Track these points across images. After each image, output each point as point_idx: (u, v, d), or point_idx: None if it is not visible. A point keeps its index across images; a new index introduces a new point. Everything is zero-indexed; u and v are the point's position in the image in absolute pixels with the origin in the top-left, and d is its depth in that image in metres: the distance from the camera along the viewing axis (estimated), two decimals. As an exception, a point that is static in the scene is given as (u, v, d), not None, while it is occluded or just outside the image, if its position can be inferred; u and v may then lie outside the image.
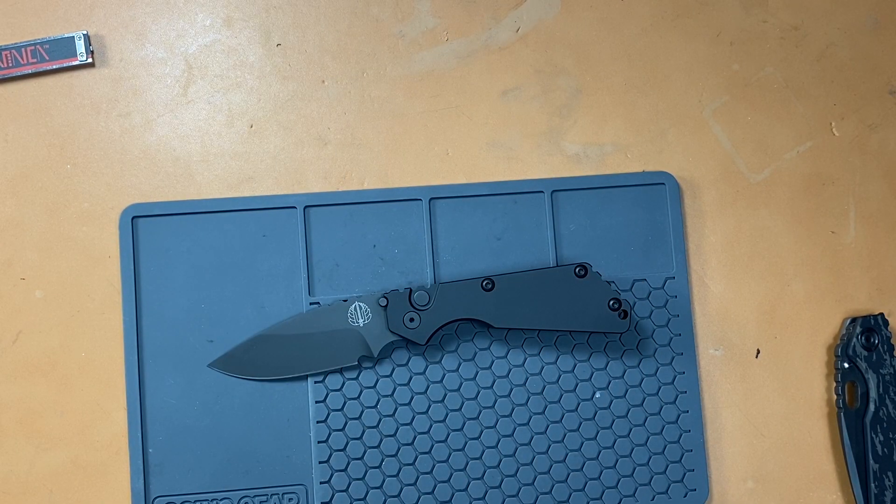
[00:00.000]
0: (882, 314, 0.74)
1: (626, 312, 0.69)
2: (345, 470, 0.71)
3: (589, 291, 0.69)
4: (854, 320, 0.74)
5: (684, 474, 0.72)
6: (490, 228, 0.74)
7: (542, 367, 0.72)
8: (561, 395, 0.72)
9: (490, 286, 0.69)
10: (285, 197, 0.73)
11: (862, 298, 0.76)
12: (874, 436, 0.72)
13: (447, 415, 0.71)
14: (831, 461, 0.74)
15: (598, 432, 0.72)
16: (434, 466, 0.71)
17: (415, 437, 0.71)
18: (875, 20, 0.78)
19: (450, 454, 0.71)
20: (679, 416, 0.73)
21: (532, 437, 0.72)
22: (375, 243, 0.73)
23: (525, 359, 0.72)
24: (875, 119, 0.77)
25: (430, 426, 0.71)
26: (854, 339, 0.73)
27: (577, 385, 0.72)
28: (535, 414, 0.72)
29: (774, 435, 0.74)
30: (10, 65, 0.72)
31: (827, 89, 0.77)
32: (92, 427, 0.71)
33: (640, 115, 0.76)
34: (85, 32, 0.73)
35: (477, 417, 0.72)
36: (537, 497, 0.71)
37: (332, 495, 0.70)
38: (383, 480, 0.71)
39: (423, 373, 0.72)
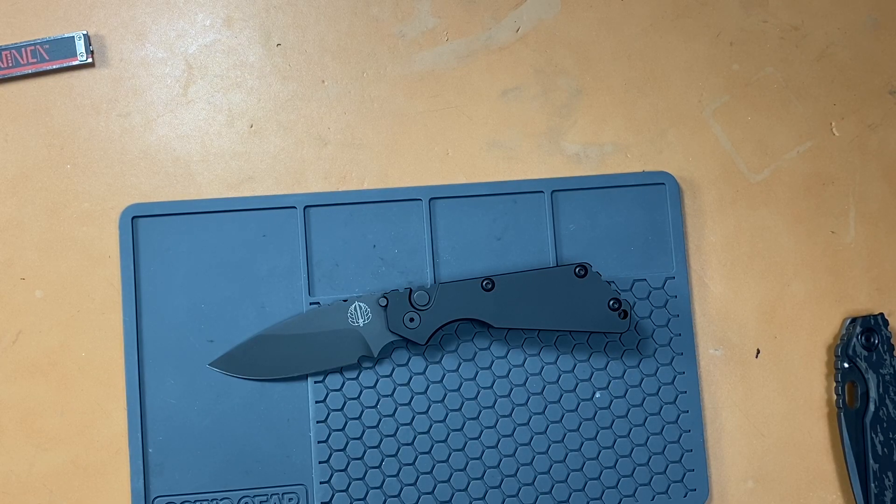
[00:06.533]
0: (882, 314, 0.74)
1: (626, 312, 0.69)
2: (345, 470, 0.71)
3: (589, 291, 0.69)
4: (854, 320, 0.74)
5: (684, 474, 0.72)
6: (490, 228, 0.74)
7: (542, 367, 0.72)
8: (561, 395, 0.72)
9: (490, 286, 0.69)
10: (285, 197, 0.73)
11: (862, 298, 0.76)
12: (874, 436, 0.72)
13: (447, 415, 0.71)
14: (831, 461, 0.74)
15: (598, 432, 0.72)
16: (434, 466, 0.71)
17: (415, 437, 0.71)
18: (875, 20, 0.78)
19: (450, 454, 0.71)
20: (679, 416, 0.73)
21: (532, 437, 0.72)
22: (375, 243, 0.73)
23: (525, 359, 0.72)
24: (875, 119, 0.77)
25: (430, 426, 0.71)
26: (854, 339, 0.73)
27: (577, 385, 0.72)
28: (535, 414, 0.72)
29: (774, 435, 0.74)
30: (10, 65, 0.72)
31: (827, 89, 0.77)
32: (92, 427, 0.71)
33: (640, 115, 0.76)
34: (85, 32, 0.73)
35: (477, 417, 0.72)
36: (537, 497, 0.71)
37: (332, 495, 0.70)
38: (383, 480, 0.71)
39: (423, 373, 0.72)
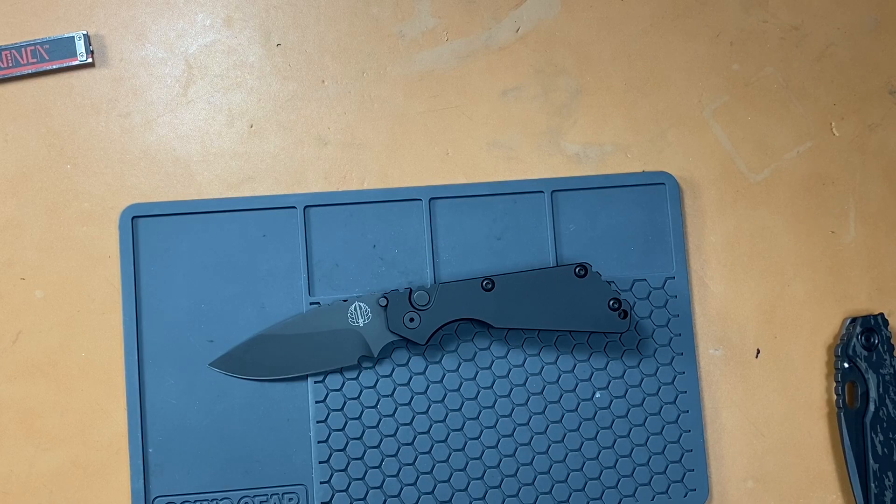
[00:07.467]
0: (882, 314, 0.74)
1: (626, 312, 0.69)
2: (345, 470, 0.71)
3: (589, 291, 0.69)
4: (854, 320, 0.74)
5: (684, 474, 0.72)
6: (490, 228, 0.74)
7: (542, 367, 0.72)
8: (561, 395, 0.72)
9: (490, 286, 0.69)
10: (285, 197, 0.73)
11: (862, 298, 0.76)
12: (874, 436, 0.72)
13: (447, 415, 0.71)
14: (831, 461, 0.74)
15: (598, 432, 0.72)
16: (434, 466, 0.71)
17: (415, 437, 0.71)
18: (875, 20, 0.78)
19: (450, 454, 0.71)
20: (679, 416, 0.73)
21: (532, 437, 0.72)
22: (375, 243, 0.73)
23: (525, 359, 0.72)
24: (875, 119, 0.77)
25: (430, 426, 0.71)
26: (854, 339, 0.73)
27: (577, 385, 0.72)
28: (535, 414, 0.72)
29: (774, 435, 0.74)
30: (10, 65, 0.72)
31: (827, 89, 0.77)
32: (92, 427, 0.71)
33: (640, 115, 0.76)
34: (85, 32, 0.73)
35: (477, 417, 0.72)
36: (537, 497, 0.71)
37: (332, 495, 0.70)
38: (383, 480, 0.71)
39: (423, 373, 0.72)
